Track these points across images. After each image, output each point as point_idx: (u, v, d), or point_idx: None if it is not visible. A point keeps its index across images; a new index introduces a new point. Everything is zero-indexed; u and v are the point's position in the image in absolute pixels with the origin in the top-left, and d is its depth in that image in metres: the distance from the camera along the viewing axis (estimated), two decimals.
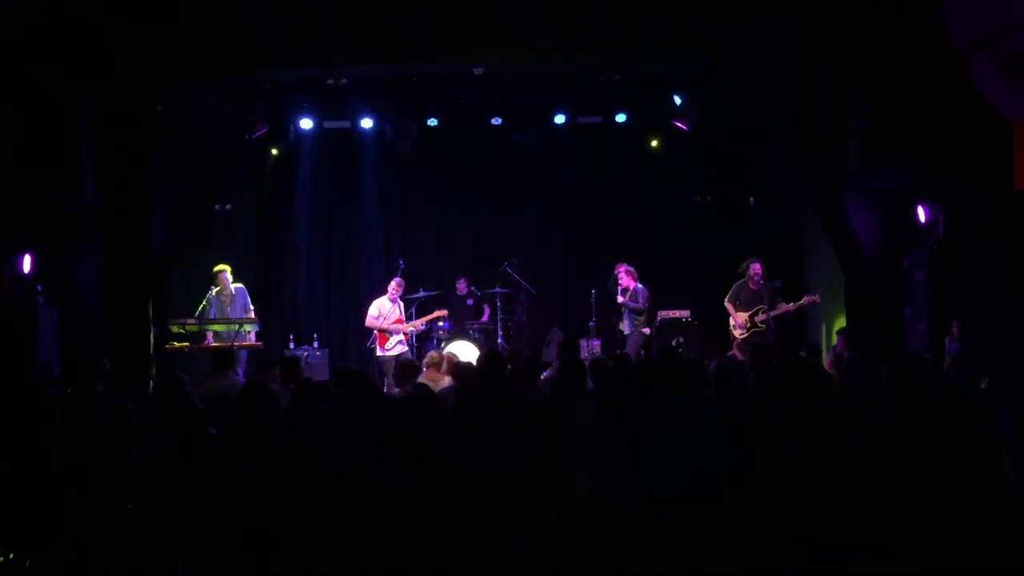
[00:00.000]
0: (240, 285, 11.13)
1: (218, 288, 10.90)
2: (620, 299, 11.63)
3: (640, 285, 11.61)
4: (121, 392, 6.63)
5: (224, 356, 8.03)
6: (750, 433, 4.65)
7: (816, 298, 10.85)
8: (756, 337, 10.61)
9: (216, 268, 11.03)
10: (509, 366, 7.12)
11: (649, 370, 6.20)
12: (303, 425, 5.05)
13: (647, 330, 11.55)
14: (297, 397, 5.73)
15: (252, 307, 11.06)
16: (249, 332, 10.67)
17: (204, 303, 10.76)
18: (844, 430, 4.91)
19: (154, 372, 9.37)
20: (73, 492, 4.28)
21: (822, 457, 4.47)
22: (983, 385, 7.35)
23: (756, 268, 10.87)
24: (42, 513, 4.40)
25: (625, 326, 11.69)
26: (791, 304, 10.80)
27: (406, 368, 7.69)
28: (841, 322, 10.79)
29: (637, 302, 11.49)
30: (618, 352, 10.03)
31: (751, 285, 10.89)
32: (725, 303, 11.07)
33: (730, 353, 9.70)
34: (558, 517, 2.91)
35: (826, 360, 9.46)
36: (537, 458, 4.21)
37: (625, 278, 11.61)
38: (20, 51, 8.78)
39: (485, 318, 12.80)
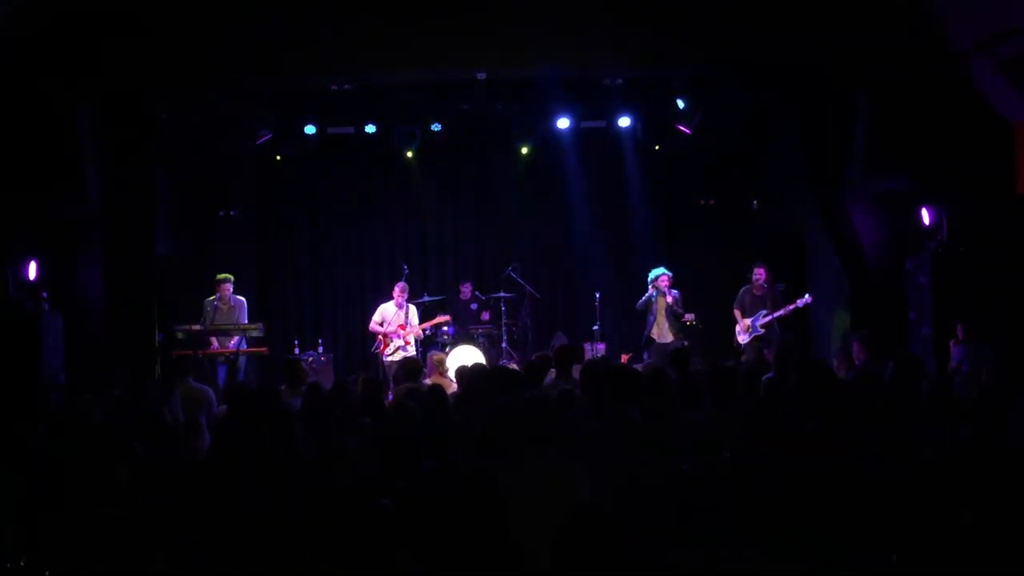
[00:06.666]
0: (240, 298, 10.92)
1: (217, 296, 10.81)
2: (669, 300, 10.92)
3: (677, 292, 11.11)
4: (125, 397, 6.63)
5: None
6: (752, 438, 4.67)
7: (808, 299, 10.74)
8: (758, 341, 10.63)
9: (219, 277, 10.85)
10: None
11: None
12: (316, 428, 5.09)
13: (687, 342, 11.03)
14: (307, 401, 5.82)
15: (246, 322, 10.73)
16: (255, 336, 10.64)
17: (204, 312, 10.72)
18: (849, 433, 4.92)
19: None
20: (72, 495, 4.30)
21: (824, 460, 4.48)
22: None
23: (759, 273, 10.84)
24: (42, 516, 4.41)
25: (668, 335, 11.01)
26: (788, 306, 10.74)
27: (409, 367, 7.70)
28: (844, 325, 10.78)
29: (679, 307, 11.01)
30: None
31: (754, 290, 10.87)
32: (734, 309, 11.04)
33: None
34: (554, 515, 2.94)
35: (835, 364, 9.41)
36: (533, 457, 4.23)
37: (667, 283, 11.02)
38: (23, 58, 8.82)
39: (488, 320, 12.82)
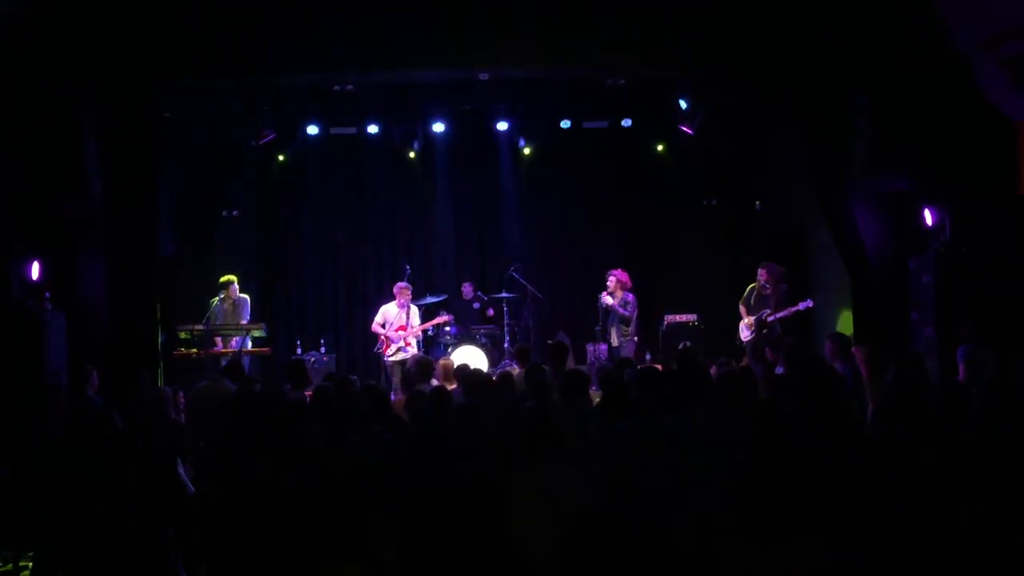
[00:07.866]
0: (244, 295, 10.95)
1: (223, 297, 10.82)
2: (609, 301, 11.34)
3: (631, 294, 11.42)
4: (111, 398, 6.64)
5: (237, 367, 7.93)
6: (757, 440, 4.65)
7: (809, 303, 10.73)
8: (761, 340, 10.61)
9: (224, 278, 10.85)
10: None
11: (656, 376, 6.21)
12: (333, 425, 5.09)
13: (636, 339, 11.43)
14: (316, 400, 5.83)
15: (248, 319, 10.74)
16: (257, 336, 10.64)
17: (209, 311, 10.72)
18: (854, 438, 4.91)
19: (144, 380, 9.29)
20: (73, 496, 4.30)
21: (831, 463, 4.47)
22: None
23: (761, 273, 10.82)
24: (41, 517, 4.42)
25: (613, 337, 11.40)
26: (790, 308, 10.72)
27: (423, 367, 7.67)
28: (847, 325, 10.76)
29: (626, 309, 11.29)
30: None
31: (760, 289, 10.86)
32: (740, 305, 11.06)
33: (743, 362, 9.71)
34: (556, 525, 2.93)
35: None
36: (536, 467, 4.22)
37: (613, 284, 11.39)
38: (24, 58, 8.82)
39: (491, 319, 12.81)
